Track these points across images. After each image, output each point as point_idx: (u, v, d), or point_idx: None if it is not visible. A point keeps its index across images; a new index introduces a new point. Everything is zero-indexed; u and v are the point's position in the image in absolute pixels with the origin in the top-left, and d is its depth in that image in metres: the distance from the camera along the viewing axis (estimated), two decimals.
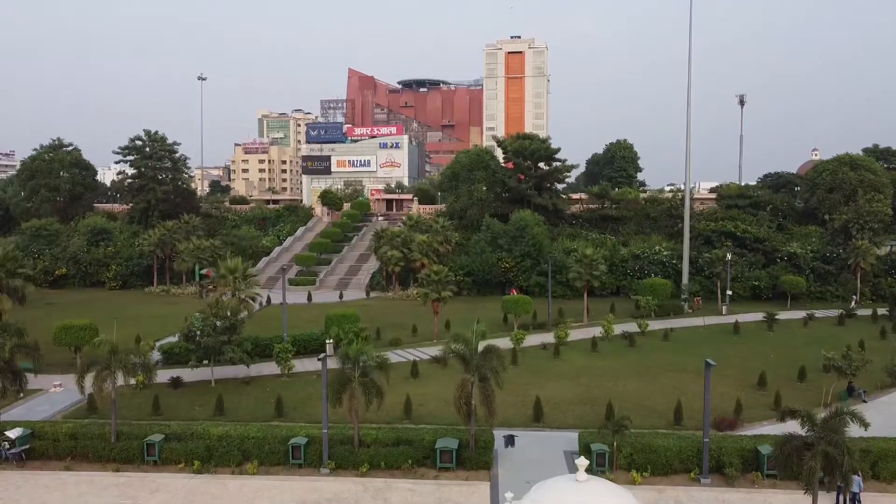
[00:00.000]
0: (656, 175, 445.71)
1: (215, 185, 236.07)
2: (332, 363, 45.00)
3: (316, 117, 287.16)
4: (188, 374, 44.72)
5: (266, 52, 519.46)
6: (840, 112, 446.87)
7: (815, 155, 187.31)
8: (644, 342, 56.29)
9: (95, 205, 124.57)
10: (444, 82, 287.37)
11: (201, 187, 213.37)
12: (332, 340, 49.94)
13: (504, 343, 53.71)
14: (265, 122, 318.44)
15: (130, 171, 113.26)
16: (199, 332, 42.60)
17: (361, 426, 32.19)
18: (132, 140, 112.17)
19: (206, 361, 44.35)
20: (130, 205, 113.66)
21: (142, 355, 33.38)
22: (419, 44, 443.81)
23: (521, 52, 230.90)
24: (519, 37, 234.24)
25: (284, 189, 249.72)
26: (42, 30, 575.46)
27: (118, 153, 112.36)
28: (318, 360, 31.15)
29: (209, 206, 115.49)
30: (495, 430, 32.89)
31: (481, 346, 32.91)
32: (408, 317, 66.19)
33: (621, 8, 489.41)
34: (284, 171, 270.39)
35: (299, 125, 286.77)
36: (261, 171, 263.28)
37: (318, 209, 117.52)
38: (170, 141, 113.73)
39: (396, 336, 57.32)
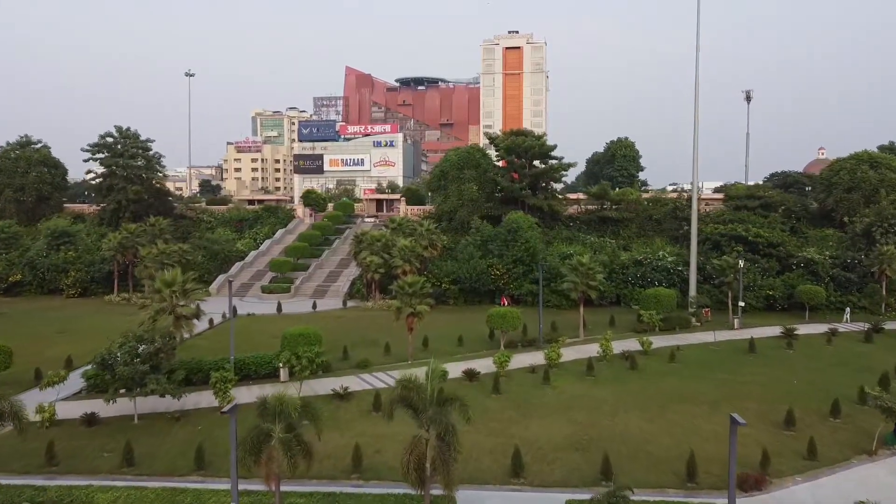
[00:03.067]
0: (658, 175, 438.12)
1: (206, 185, 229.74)
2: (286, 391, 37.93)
3: (311, 115, 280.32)
4: (109, 407, 37.74)
5: (262, 50, 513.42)
6: (845, 111, 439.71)
7: (822, 154, 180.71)
8: (647, 363, 49.32)
9: (67, 205, 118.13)
10: (442, 80, 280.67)
11: (189, 187, 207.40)
12: (283, 365, 42.96)
13: (487, 365, 47.22)
14: (259, 120, 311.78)
15: (100, 169, 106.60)
16: (118, 359, 35.73)
17: (289, 490, 25.37)
18: (102, 136, 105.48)
19: (138, 390, 37.38)
20: (102, 206, 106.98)
21: (7, 401, 26.35)
22: (418, 42, 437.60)
23: (519, 48, 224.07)
24: (517, 32, 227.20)
25: (278, 189, 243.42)
26: (29, 25, 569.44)
27: (87, 150, 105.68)
28: (223, 413, 24.16)
29: (184, 207, 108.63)
30: (459, 490, 25.97)
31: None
32: (384, 331, 59.34)
33: (622, 3, 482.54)
34: (278, 170, 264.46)
35: (294, 123, 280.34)
36: (254, 170, 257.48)
37: (300, 210, 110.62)
38: (143, 137, 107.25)
39: (365, 356, 50.36)
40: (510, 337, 55.33)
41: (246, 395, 41.66)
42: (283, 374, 43.68)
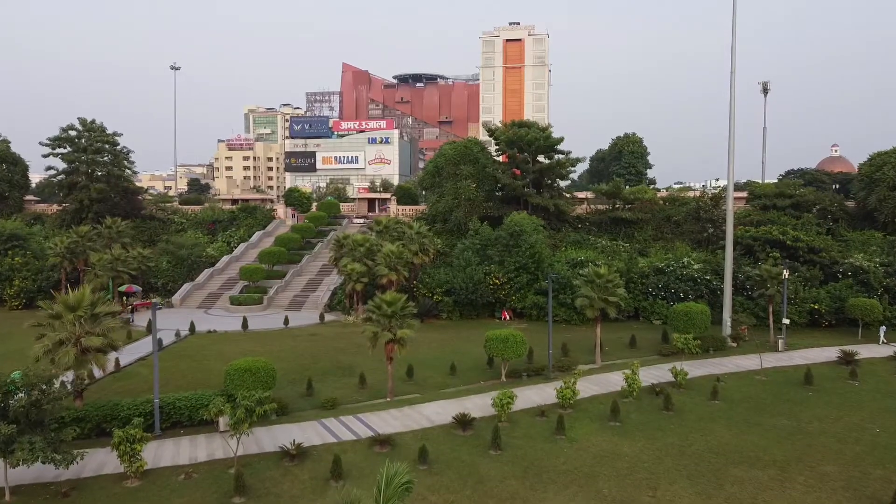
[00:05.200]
0: (661, 175, 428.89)
1: (194, 184, 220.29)
2: (244, 446, 27.87)
3: (305, 112, 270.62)
4: None
5: (258, 48, 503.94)
6: (855, 108, 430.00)
7: (835, 151, 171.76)
8: (684, 402, 39.59)
9: (36, 205, 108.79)
10: (441, 77, 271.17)
11: (177, 186, 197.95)
12: (213, 416, 32.77)
13: (485, 405, 37.64)
14: (252, 117, 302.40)
15: (62, 165, 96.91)
16: None
17: None
18: (64, 129, 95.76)
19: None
20: (63, 205, 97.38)
21: None
22: (416, 38, 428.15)
23: (520, 40, 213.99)
24: (518, 23, 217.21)
25: (270, 188, 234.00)
26: (21, 22, 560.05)
27: (47, 144, 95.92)
28: None
29: (153, 207, 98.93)
30: None
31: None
32: (362, 354, 49.64)
33: (622, 2, 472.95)
34: (271, 168, 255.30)
35: (287, 121, 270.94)
36: (245, 168, 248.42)
37: (281, 210, 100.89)
38: (110, 131, 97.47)
39: (334, 393, 40.66)
40: (513, 365, 45.68)
41: (170, 452, 32.07)
42: (223, 421, 33.96)
